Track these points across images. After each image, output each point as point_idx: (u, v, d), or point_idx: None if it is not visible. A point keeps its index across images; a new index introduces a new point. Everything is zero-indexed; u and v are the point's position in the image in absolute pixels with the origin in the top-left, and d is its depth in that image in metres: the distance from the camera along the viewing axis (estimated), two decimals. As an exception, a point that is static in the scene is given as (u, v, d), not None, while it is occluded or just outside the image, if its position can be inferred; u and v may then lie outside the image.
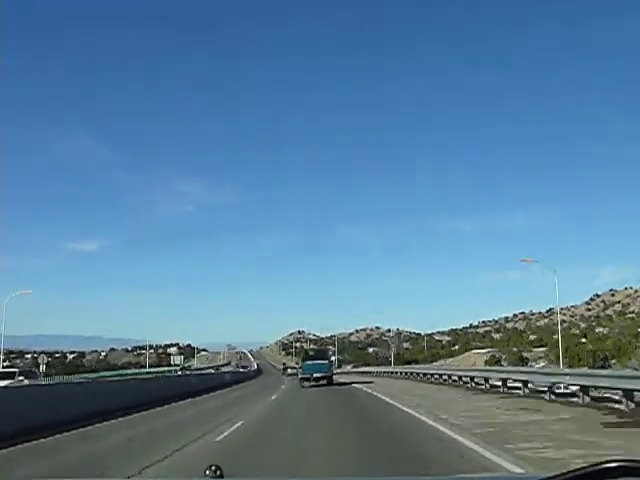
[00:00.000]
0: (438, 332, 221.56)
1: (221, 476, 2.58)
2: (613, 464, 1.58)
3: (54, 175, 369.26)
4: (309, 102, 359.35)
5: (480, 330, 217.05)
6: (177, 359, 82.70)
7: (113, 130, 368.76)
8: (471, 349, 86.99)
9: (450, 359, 78.55)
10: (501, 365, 48.61)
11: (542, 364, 49.91)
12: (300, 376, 35.24)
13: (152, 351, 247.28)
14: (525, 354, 56.37)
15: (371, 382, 37.82)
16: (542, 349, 58.75)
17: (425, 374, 40.30)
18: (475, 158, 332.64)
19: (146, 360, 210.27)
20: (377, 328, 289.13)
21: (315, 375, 33.90)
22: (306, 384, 33.56)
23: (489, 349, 69.97)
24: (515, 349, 59.63)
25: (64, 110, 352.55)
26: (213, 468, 2.58)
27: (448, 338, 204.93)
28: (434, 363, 71.34)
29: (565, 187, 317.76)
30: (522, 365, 48.12)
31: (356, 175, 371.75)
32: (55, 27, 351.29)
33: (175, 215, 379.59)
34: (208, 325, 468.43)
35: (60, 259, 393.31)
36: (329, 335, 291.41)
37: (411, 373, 44.63)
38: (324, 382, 33.79)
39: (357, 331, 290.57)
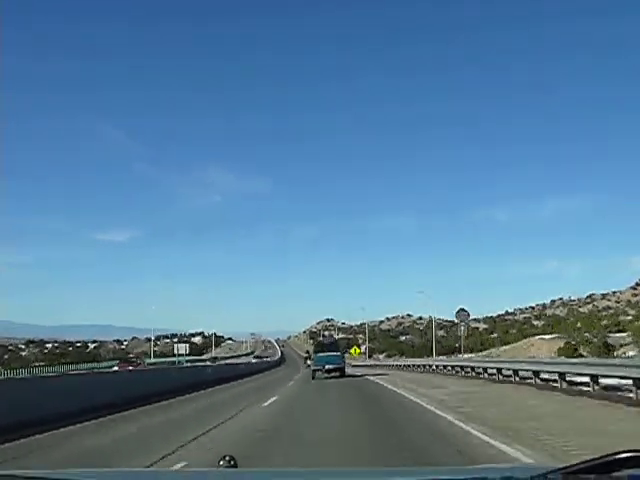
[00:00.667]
0: (473, 319, 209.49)
1: (235, 466, 2.60)
2: (625, 455, 1.56)
3: (83, 167, 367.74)
4: (335, 96, 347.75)
5: (519, 317, 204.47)
6: (182, 348, 71.73)
7: (141, 122, 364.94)
8: (528, 336, 75.73)
9: (504, 347, 66.98)
10: (581, 355, 37.28)
11: (632, 353, 38.45)
12: (312, 368, 35.16)
13: (176, 340, 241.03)
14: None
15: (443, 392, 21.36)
16: (621, 334, 48.23)
17: (485, 369, 28.12)
18: (512, 151, 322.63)
19: (172, 349, 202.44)
20: (408, 316, 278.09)
21: (327, 367, 33.91)
22: (318, 375, 33.69)
23: (552, 335, 59.00)
24: (588, 334, 48.95)
25: (93, 104, 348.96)
26: (227, 458, 2.60)
27: (484, 326, 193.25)
28: (484, 352, 60.37)
29: (597, 177, 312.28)
30: (608, 354, 36.64)
31: (387, 167, 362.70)
32: (70, 21, 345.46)
33: (203, 206, 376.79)
34: (237, 315, 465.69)
35: (88, 249, 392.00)
36: (359, 323, 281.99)
37: (466, 368, 31.90)
38: (336, 374, 33.80)
39: (388, 319, 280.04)
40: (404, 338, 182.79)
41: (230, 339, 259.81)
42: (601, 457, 1.60)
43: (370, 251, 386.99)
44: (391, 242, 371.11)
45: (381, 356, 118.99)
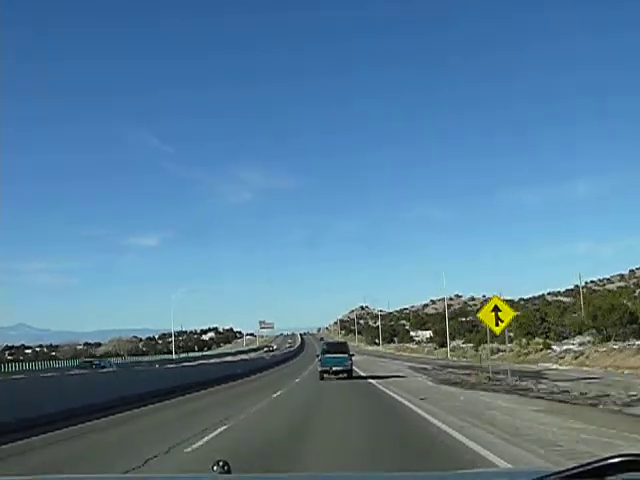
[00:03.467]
0: (549, 293, 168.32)
1: (229, 471, 2.57)
2: (616, 459, 1.61)
3: (114, 171, 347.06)
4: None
5: (610, 287, 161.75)
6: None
7: (169, 123, 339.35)
8: None
9: None
10: None
11: None
12: (320, 369, 35.11)
13: (183, 337, 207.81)
14: None
15: None
16: None
17: None
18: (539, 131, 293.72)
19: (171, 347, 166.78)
20: (457, 296, 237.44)
21: (334, 368, 34.44)
22: (325, 377, 34.15)
23: None
24: None
25: (123, 108, 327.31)
26: (221, 464, 2.57)
27: (565, 299, 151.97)
28: None
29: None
30: None
31: (418, 154, 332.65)
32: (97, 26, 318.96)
33: (233, 204, 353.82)
34: (264, 310, 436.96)
35: (120, 255, 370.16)
36: (399, 309, 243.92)
37: None
38: (344, 376, 34.17)
39: (433, 302, 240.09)
40: (464, 320, 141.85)
41: (252, 334, 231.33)
42: (594, 462, 1.63)
43: (402, 239, 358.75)
44: (422, 230, 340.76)
45: (458, 342, 79.60)
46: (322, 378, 34.01)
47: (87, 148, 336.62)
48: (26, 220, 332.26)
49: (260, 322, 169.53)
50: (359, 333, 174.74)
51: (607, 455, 1.66)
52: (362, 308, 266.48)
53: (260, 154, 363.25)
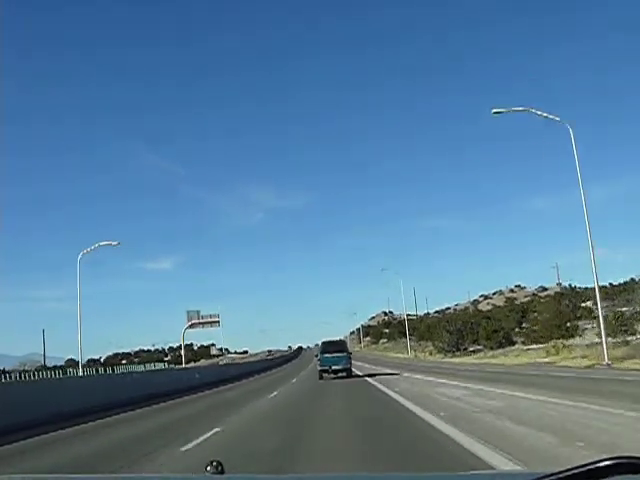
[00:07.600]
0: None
1: (222, 472, 2.51)
2: (612, 461, 1.60)
3: (121, 193, 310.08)
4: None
5: None
6: None
7: (176, 144, 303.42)
8: None
9: None
10: None
11: None
12: (319, 368, 36.44)
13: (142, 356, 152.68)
14: None
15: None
16: None
17: None
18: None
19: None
20: (519, 287, 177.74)
21: (334, 367, 35.49)
22: (325, 376, 35.43)
23: None
24: None
25: (127, 127, 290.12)
26: (214, 464, 2.50)
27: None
28: None
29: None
30: None
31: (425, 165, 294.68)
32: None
33: (244, 225, 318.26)
34: (276, 332, 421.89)
35: (134, 280, 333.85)
36: (435, 310, 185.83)
37: None
38: (343, 374, 35.34)
39: (484, 297, 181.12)
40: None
41: (245, 352, 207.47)
42: (588, 464, 1.60)
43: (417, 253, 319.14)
44: (435, 242, 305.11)
45: None
46: (321, 377, 35.35)
47: (97, 171, 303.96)
48: (34, 247, 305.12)
49: (188, 313, 68.97)
50: (388, 340, 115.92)
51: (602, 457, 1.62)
52: (385, 314, 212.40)
53: (272, 173, 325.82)
